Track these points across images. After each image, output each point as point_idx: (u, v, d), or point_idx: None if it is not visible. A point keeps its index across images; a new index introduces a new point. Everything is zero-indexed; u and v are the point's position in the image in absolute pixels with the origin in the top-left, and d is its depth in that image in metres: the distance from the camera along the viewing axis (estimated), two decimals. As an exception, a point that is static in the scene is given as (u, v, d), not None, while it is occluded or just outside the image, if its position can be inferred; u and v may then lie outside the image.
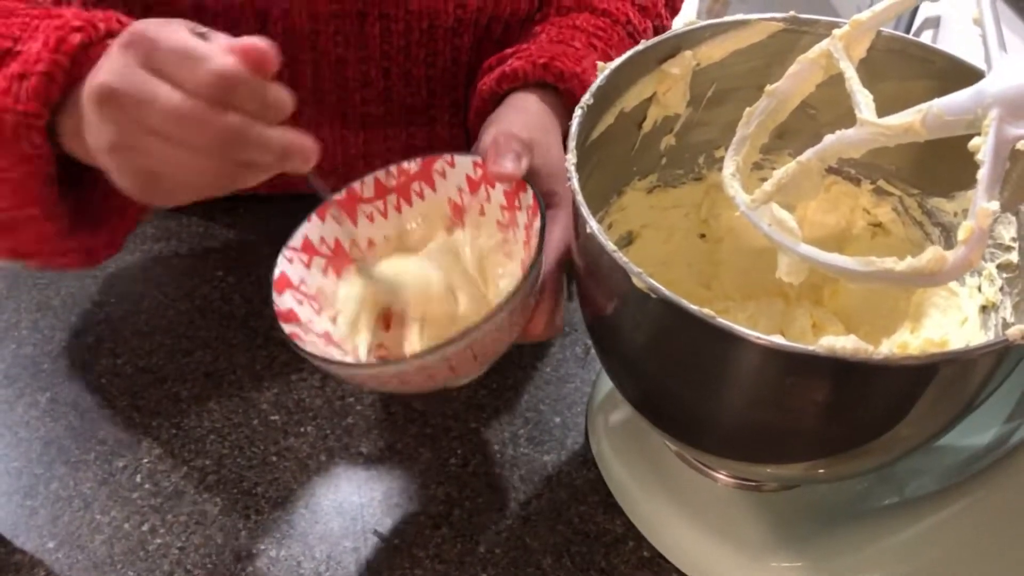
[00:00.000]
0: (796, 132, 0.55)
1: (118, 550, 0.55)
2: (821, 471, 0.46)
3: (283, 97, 0.42)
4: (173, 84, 0.41)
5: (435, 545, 0.55)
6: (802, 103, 0.50)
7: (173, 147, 0.41)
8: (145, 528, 0.56)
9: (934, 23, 1.41)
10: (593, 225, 0.41)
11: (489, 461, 0.60)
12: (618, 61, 0.49)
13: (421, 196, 0.56)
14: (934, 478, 0.55)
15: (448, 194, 0.55)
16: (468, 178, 0.55)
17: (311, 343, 0.48)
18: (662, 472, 0.57)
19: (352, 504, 0.57)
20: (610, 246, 0.41)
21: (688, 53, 0.52)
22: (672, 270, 0.60)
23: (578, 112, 0.47)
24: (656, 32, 0.74)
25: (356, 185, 0.55)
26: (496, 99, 0.63)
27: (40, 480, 0.59)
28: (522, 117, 0.58)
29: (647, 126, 0.54)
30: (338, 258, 0.54)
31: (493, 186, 0.53)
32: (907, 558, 0.51)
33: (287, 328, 0.48)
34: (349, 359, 0.49)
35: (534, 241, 0.48)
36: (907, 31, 1.48)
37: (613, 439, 0.59)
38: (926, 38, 1.35)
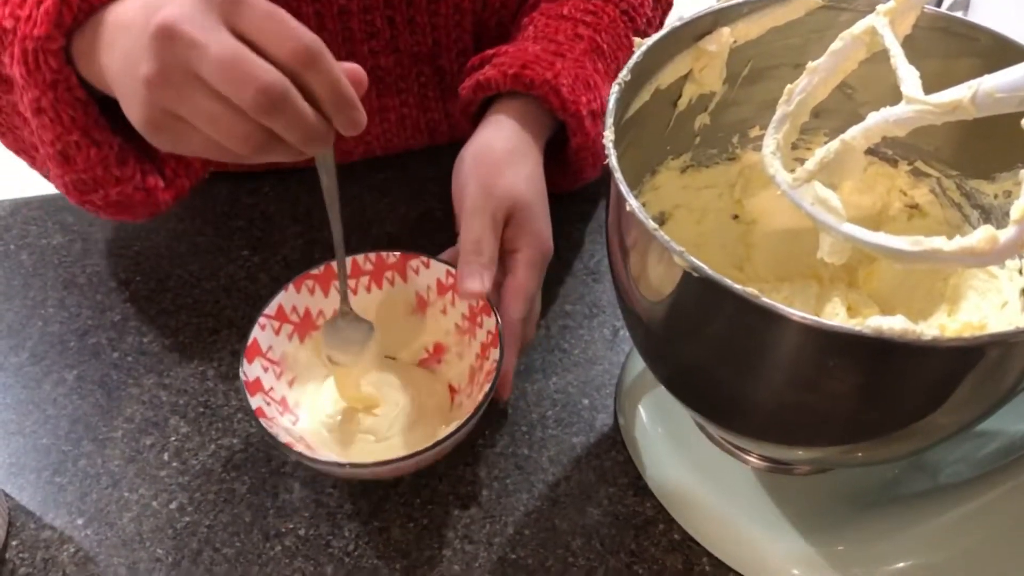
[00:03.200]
0: (833, 112, 0.54)
1: (146, 527, 0.55)
2: (858, 455, 0.45)
3: (350, 94, 0.43)
4: (254, 47, 0.41)
5: (464, 525, 0.55)
6: (840, 83, 0.49)
7: (209, 98, 0.41)
8: (173, 506, 0.56)
9: (963, 5, 1.39)
10: (633, 203, 0.41)
11: (518, 442, 0.59)
12: (655, 38, 0.48)
13: (392, 283, 0.61)
14: (969, 466, 0.54)
15: (417, 288, 0.61)
16: (439, 281, 0.60)
17: (272, 417, 0.53)
18: (693, 455, 0.56)
19: (379, 484, 0.57)
20: (651, 224, 0.40)
21: (725, 30, 0.51)
22: (704, 251, 0.59)
23: (615, 89, 0.46)
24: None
25: (333, 263, 0.58)
26: (475, 105, 0.67)
27: (68, 457, 0.59)
28: (497, 138, 0.62)
29: (682, 104, 0.54)
30: (304, 325, 0.59)
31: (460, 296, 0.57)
32: (941, 545, 0.50)
33: (253, 401, 0.52)
34: (311, 453, 0.52)
35: (488, 367, 0.54)
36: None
37: (643, 421, 0.58)
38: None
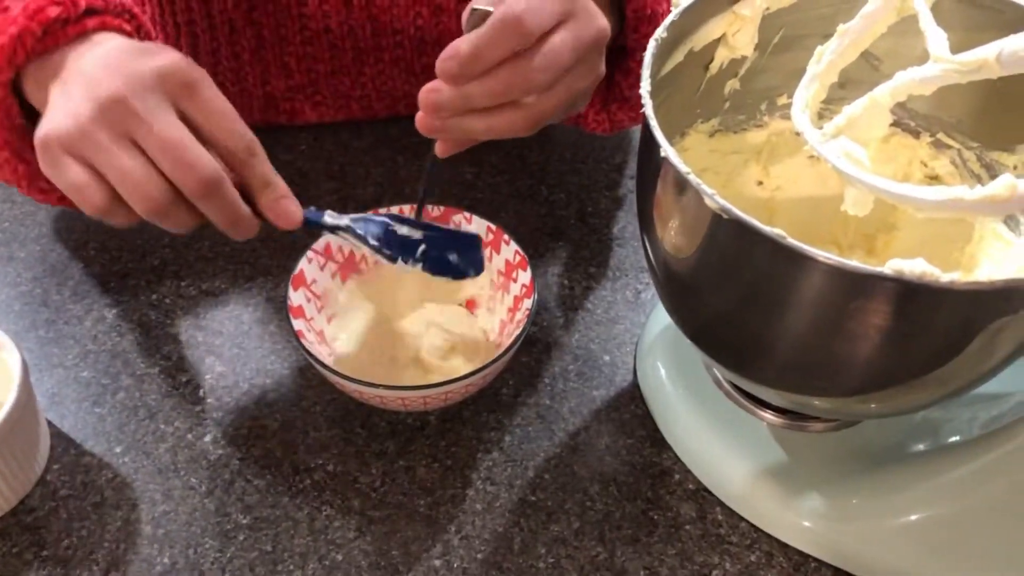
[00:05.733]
0: (858, 83, 0.56)
1: (181, 458, 0.58)
2: (873, 405, 0.47)
3: (283, 190, 0.49)
4: (198, 132, 0.46)
5: (487, 468, 0.57)
6: (866, 54, 0.51)
7: (132, 158, 0.45)
8: (207, 439, 0.59)
9: None
10: (667, 149, 0.43)
11: (539, 393, 0.61)
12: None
13: None
14: (979, 426, 0.56)
15: None
16: (479, 236, 0.62)
17: (310, 342, 0.56)
18: (710, 411, 0.58)
19: (406, 426, 0.59)
20: (684, 168, 0.42)
21: (761, -6, 0.53)
22: (728, 216, 0.61)
23: (652, 44, 0.48)
24: None
25: (382, 211, 0.61)
26: None
27: (107, 390, 0.61)
28: None
29: (713, 68, 0.55)
30: (347, 266, 0.62)
31: (498, 252, 0.61)
32: (950, 499, 0.52)
33: (295, 324, 0.55)
34: (343, 371, 0.53)
35: (519, 317, 0.58)
36: None
37: (662, 378, 0.60)
38: None
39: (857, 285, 0.39)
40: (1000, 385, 0.49)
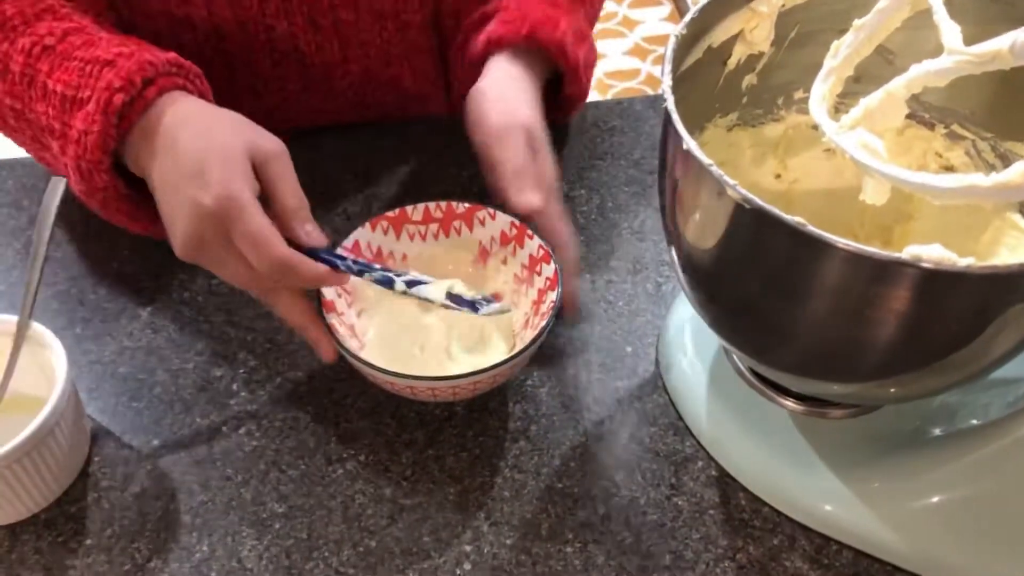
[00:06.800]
0: (874, 77, 0.57)
1: (217, 449, 0.59)
2: (892, 390, 0.48)
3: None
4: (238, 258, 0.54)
5: (514, 456, 0.59)
6: (881, 48, 0.52)
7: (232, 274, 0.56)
8: (242, 431, 0.60)
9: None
10: (690, 142, 0.44)
11: (563, 384, 0.63)
12: (710, -2, 0.52)
13: (459, 233, 0.65)
14: (997, 410, 0.57)
15: (480, 238, 0.65)
16: (503, 232, 0.64)
17: (341, 336, 0.57)
18: (731, 400, 0.59)
19: (434, 416, 0.61)
20: (706, 160, 0.43)
21: (777, -9, 0.54)
22: (746, 209, 0.62)
23: (672, 41, 0.49)
24: None
25: (408, 208, 0.64)
26: (484, 58, 0.70)
27: (144, 385, 0.63)
28: (508, 79, 0.67)
29: (731, 63, 0.57)
30: (375, 261, 0.63)
31: (522, 246, 0.63)
32: (970, 480, 0.53)
33: (327, 318, 0.57)
34: (377, 363, 0.55)
35: (544, 309, 0.59)
36: None
37: (683, 368, 0.62)
38: None
39: (876, 271, 0.40)
40: (1017, 369, 0.50)
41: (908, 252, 0.39)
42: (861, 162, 0.45)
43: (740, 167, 0.62)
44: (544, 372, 0.64)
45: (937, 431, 0.57)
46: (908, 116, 0.60)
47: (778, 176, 0.63)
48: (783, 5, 0.55)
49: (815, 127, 0.49)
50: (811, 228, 0.40)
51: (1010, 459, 0.51)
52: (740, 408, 0.59)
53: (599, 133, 0.82)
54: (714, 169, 0.43)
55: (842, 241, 0.40)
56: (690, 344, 0.62)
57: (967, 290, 0.40)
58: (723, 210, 0.44)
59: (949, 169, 0.60)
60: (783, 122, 0.62)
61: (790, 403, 0.58)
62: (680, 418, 0.61)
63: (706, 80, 0.57)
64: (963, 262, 0.39)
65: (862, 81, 0.57)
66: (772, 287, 0.45)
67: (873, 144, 0.45)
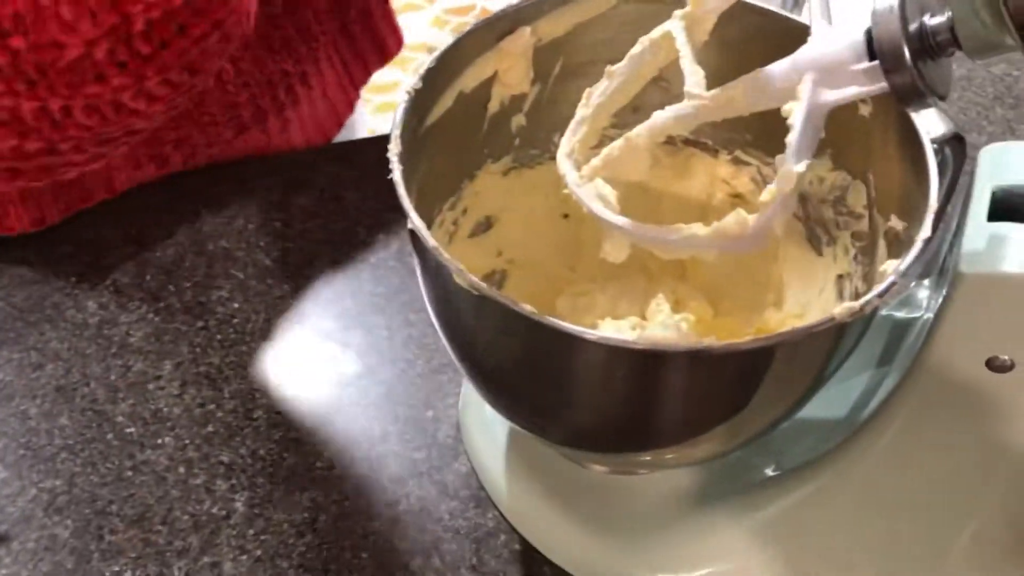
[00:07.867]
0: (651, 106, 0.53)
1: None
2: (669, 457, 0.45)
3: None
4: None
5: (299, 554, 0.54)
6: (656, 76, 0.49)
7: None
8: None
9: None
10: (416, 221, 0.39)
11: (357, 463, 0.58)
12: (449, 43, 0.47)
13: None
14: (806, 450, 0.54)
15: None
16: None
17: None
18: (533, 463, 0.55)
19: (212, 516, 0.55)
20: (431, 242, 0.39)
21: (526, 29, 0.50)
22: (537, 252, 0.58)
23: (404, 98, 0.44)
24: None
25: None
26: None
27: None
28: None
29: (493, 107, 0.52)
30: None
31: None
32: (788, 529, 0.50)
33: None
34: None
35: None
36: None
37: (483, 431, 0.57)
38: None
39: (613, 355, 0.36)
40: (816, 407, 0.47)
41: (644, 336, 0.36)
42: (598, 215, 0.41)
43: (523, 211, 0.58)
44: (335, 450, 0.58)
45: (752, 476, 0.53)
46: (691, 144, 0.57)
47: (566, 216, 0.59)
48: (538, 40, 0.51)
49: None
50: (543, 317, 0.36)
51: (821, 504, 0.48)
52: (542, 472, 0.55)
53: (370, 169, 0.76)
54: (439, 252, 0.38)
55: (574, 329, 0.36)
56: (488, 406, 0.58)
57: (714, 367, 0.37)
58: (458, 295, 0.39)
59: (737, 197, 0.57)
60: (563, 159, 0.58)
61: (596, 465, 0.55)
62: (482, 487, 0.57)
63: (467, 127, 0.52)
64: (705, 342, 0.35)
65: (640, 111, 0.53)
66: (521, 372, 0.41)
67: (608, 196, 0.41)
